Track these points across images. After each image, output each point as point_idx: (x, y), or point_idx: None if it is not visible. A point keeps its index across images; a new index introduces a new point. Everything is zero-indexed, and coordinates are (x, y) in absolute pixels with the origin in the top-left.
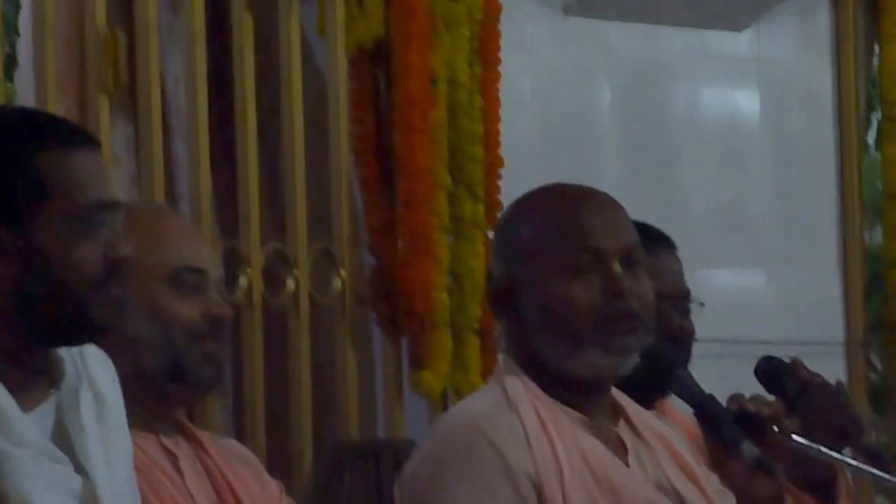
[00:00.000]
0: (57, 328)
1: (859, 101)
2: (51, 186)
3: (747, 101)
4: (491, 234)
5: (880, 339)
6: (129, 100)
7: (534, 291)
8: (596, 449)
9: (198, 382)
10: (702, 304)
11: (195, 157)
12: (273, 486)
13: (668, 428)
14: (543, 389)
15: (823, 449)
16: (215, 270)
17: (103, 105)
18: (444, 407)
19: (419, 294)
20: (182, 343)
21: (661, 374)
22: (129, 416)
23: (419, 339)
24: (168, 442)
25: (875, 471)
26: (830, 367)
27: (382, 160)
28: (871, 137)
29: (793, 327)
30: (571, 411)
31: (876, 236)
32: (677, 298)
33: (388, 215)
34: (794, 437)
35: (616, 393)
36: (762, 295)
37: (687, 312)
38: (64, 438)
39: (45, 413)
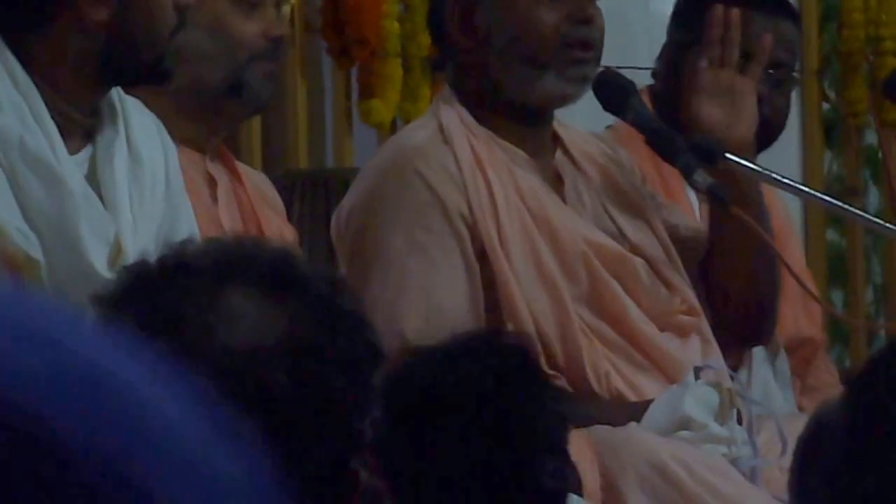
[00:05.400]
0: (136, 69)
1: None
2: None
3: None
4: None
5: (834, 69)
6: None
7: (500, 12)
8: (532, 186)
9: (255, 99)
10: (797, 76)
11: None
12: (289, 232)
13: (615, 153)
14: (485, 121)
15: (776, 175)
16: None
17: None
18: None
19: (369, 22)
20: (243, 61)
21: (614, 102)
22: (181, 131)
23: (369, 68)
24: (212, 167)
25: (828, 199)
26: None
27: None
28: None
29: None
30: (508, 146)
31: None
32: (766, 65)
33: None
34: (747, 163)
35: (556, 122)
36: None
37: (777, 84)
38: (95, 189)
39: (81, 160)
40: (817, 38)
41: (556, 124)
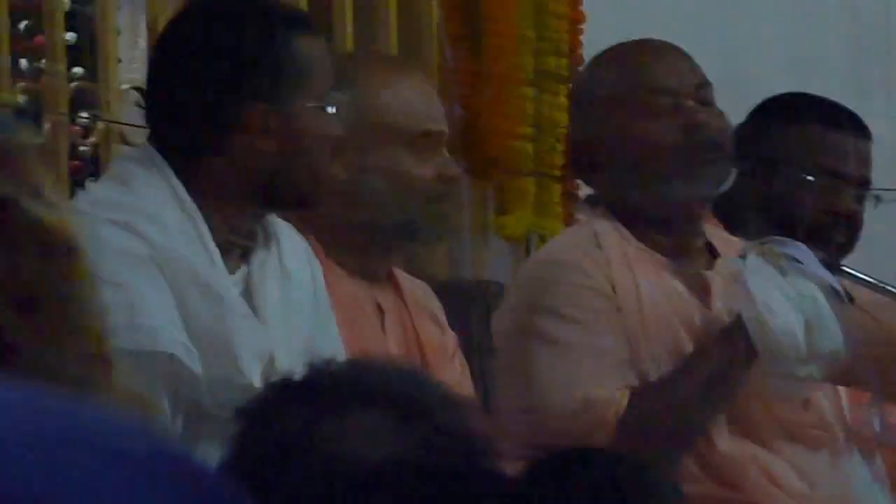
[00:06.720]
0: (295, 197)
1: None
2: (307, 69)
3: None
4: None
5: None
6: None
7: (618, 140)
8: (677, 289)
9: (426, 240)
10: (878, 199)
11: None
12: (450, 338)
13: None
14: (636, 232)
15: (880, 283)
16: (445, 127)
17: None
18: (527, 250)
19: (504, 144)
20: (417, 205)
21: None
22: (351, 263)
23: (503, 186)
24: (380, 296)
25: None
26: None
27: (470, 16)
28: None
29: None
30: (656, 254)
31: None
32: (855, 183)
33: (475, 69)
34: (849, 270)
35: (716, 235)
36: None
37: (860, 199)
38: (249, 306)
39: (238, 279)
40: None
41: (712, 236)
